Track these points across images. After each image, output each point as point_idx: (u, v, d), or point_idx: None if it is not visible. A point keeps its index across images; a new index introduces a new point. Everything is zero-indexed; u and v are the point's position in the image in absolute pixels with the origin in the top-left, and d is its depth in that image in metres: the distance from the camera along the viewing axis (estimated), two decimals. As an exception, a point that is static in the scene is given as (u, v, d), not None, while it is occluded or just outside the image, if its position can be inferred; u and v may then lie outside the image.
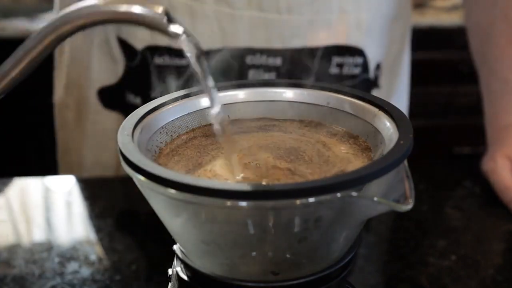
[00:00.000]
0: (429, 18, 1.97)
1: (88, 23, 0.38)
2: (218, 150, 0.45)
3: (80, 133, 0.95)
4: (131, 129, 0.42)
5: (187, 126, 0.48)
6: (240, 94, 0.51)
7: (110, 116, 0.90)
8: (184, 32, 0.37)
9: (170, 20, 0.37)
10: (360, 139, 0.46)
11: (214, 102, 0.40)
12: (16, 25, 1.89)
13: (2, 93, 0.40)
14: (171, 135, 0.47)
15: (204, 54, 0.38)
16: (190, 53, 0.38)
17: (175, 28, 0.37)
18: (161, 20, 0.37)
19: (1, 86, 0.39)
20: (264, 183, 0.40)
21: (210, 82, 0.39)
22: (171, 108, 0.47)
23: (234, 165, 0.41)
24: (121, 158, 0.39)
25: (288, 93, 0.50)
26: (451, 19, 1.95)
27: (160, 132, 0.46)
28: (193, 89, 0.49)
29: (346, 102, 0.48)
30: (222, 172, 0.41)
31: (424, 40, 1.84)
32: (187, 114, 0.48)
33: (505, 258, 0.70)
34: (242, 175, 0.41)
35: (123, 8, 0.37)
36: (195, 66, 0.38)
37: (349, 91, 0.48)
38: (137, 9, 0.37)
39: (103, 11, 0.38)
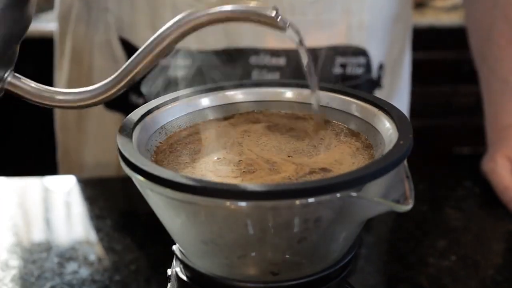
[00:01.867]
0: (429, 18, 1.97)
1: (208, 21, 0.43)
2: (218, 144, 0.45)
3: (80, 134, 0.95)
4: (131, 129, 0.42)
5: (186, 126, 0.48)
6: (240, 94, 0.50)
7: (111, 116, 0.90)
8: (289, 24, 0.44)
9: (278, 15, 0.43)
10: (361, 136, 0.46)
11: (313, 81, 0.46)
12: (16, 25, 1.89)
13: (120, 92, 0.44)
14: (167, 134, 0.47)
15: (303, 41, 0.45)
16: (296, 40, 0.45)
17: (282, 22, 0.43)
18: (271, 15, 0.43)
19: (131, 76, 0.44)
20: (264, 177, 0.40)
21: (311, 64, 0.46)
22: (171, 108, 0.47)
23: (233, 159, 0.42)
24: (120, 158, 0.39)
25: (289, 93, 0.50)
26: (451, 19, 1.95)
27: (160, 132, 0.46)
28: (193, 89, 0.49)
29: (346, 102, 0.48)
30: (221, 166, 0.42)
31: (424, 40, 1.84)
32: (187, 114, 0.48)
33: (505, 258, 0.70)
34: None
35: (239, 7, 0.43)
36: (300, 49, 0.46)
37: (349, 91, 0.48)
38: (250, 7, 0.43)
39: (222, 11, 0.43)
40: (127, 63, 0.44)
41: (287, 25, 0.44)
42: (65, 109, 0.96)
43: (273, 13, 0.42)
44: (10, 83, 0.45)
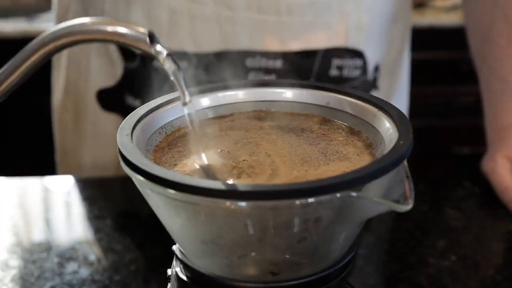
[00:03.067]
0: (429, 18, 1.97)
1: (77, 40, 0.41)
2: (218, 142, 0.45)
3: (78, 135, 0.95)
4: (130, 129, 0.42)
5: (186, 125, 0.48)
6: (240, 94, 0.50)
7: (109, 118, 0.90)
8: (167, 52, 0.41)
9: (153, 41, 0.41)
10: (362, 135, 0.46)
11: (191, 110, 0.44)
12: (15, 25, 1.89)
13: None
14: (167, 134, 0.47)
15: (180, 71, 0.42)
16: (170, 70, 0.41)
17: (158, 48, 0.41)
18: (145, 40, 0.40)
19: None
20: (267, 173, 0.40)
21: (187, 97, 0.43)
22: (170, 108, 0.47)
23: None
24: (120, 158, 0.39)
25: (288, 93, 0.50)
26: (451, 19, 1.95)
27: (160, 132, 0.46)
28: (192, 89, 0.49)
29: (346, 102, 0.48)
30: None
31: (424, 40, 1.84)
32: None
33: (505, 258, 0.70)
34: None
35: (110, 28, 0.40)
36: (175, 80, 0.42)
37: (349, 91, 0.48)
38: (123, 29, 0.40)
39: (93, 30, 0.41)
40: None
41: (164, 55, 0.41)
42: (61, 110, 0.97)
43: (147, 39, 0.40)
44: None
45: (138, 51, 0.41)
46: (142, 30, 0.41)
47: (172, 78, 0.42)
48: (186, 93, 0.42)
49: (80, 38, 0.41)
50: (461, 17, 1.81)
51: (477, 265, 0.67)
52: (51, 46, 0.41)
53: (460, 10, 1.83)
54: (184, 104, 0.43)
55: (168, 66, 0.41)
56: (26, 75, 0.42)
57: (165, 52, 0.41)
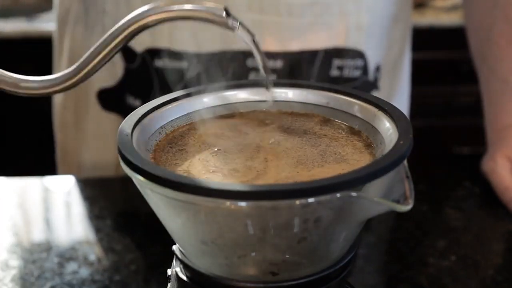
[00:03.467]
0: (429, 18, 1.97)
1: (159, 19, 0.44)
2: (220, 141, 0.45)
3: (79, 135, 0.95)
4: (130, 129, 0.42)
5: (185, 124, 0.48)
6: (240, 94, 0.50)
7: (109, 118, 0.90)
8: (240, 23, 0.45)
9: (228, 15, 0.44)
10: (363, 135, 0.46)
11: (268, 75, 0.48)
12: (15, 25, 1.89)
13: (81, 82, 0.47)
14: (166, 133, 0.47)
15: (255, 40, 0.46)
16: (247, 39, 0.46)
17: (233, 21, 0.45)
18: (221, 14, 0.44)
19: (85, 72, 0.47)
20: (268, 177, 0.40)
21: (265, 59, 0.47)
22: (170, 108, 0.47)
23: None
24: (120, 158, 0.39)
25: (288, 93, 0.50)
26: (451, 19, 1.95)
27: (160, 133, 0.46)
28: (192, 89, 0.49)
29: (346, 102, 0.48)
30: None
31: (424, 40, 1.84)
32: (186, 114, 0.48)
33: (505, 258, 0.70)
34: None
35: (189, 6, 0.44)
36: (252, 47, 0.47)
37: (349, 91, 0.48)
38: (201, 7, 0.44)
39: (173, 10, 0.44)
40: (87, 53, 0.46)
41: (238, 25, 0.45)
42: (62, 110, 0.97)
43: (223, 13, 0.44)
44: None
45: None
46: (217, 5, 0.44)
47: (250, 45, 0.46)
48: (265, 58, 0.47)
49: (163, 17, 0.44)
50: (461, 17, 1.81)
51: (477, 265, 0.67)
52: (136, 26, 0.45)
53: (460, 10, 1.84)
54: (265, 72, 0.47)
55: (245, 35, 0.46)
56: (110, 56, 0.46)
57: (238, 24, 0.45)
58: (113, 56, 0.46)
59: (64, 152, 0.98)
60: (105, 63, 0.46)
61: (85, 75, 0.47)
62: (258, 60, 0.46)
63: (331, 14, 0.83)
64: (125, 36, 0.45)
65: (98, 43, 0.46)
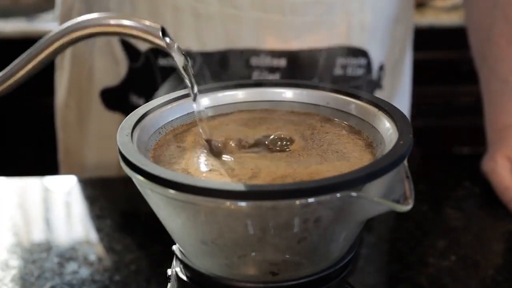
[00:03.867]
0: (429, 18, 1.97)
1: (91, 33, 0.42)
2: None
3: (82, 134, 0.95)
4: (130, 129, 0.42)
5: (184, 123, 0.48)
6: (240, 94, 0.50)
7: (112, 117, 0.90)
8: (177, 45, 0.43)
9: (164, 34, 0.42)
10: (363, 134, 0.46)
11: (198, 103, 0.46)
12: (15, 25, 1.89)
13: (4, 93, 0.44)
14: (166, 132, 0.47)
15: (189, 64, 0.44)
16: (179, 63, 0.43)
17: (169, 41, 0.43)
18: (157, 33, 0.42)
19: (4, 87, 0.43)
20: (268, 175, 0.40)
21: (195, 89, 0.45)
22: (171, 108, 0.47)
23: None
24: (120, 158, 0.39)
25: (288, 93, 0.50)
26: (451, 19, 1.95)
27: (160, 132, 0.46)
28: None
29: (346, 102, 0.48)
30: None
31: (424, 40, 1.83)
32: (187, 114, 0.48)
33: (505, 258, 0.70)
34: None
35: (124, 21, 0.42)
36: (184, 73, 0.44)
37: (349, 91, 0.48)
38: (136, 23, 0.42)
39: (107, 24, 0.42)
40: (8, 67, 0.43)
41: (175, 46, 0.43)
42: (65, 109, 0.97)
43: (159, 33, 0.42)
44: None
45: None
46: (154, 24, 0.42)
47: (181, 70, 0.43)
48: (195, 86, 0.44)
49: (94, 31, 0.42)
50: (461, 17, 1.81)
51: (477, 265, 0.67)
52: (65, 39, 0.42)
53: (460, 10, 1.83)
54: (194, 97, 0.45)
55: (178, 58, 0.43)
56: (37, 68, 0.43)
57: (175, 45, 0.43)
58: (42, 67, 0.43)
59: (67, 151, 0.98)
60: (32, 75, 0.44)
61: (6, 89, 0.44)
62: (188, 83, 0.44)
63: (335, 13, 0.83)
64: (56, 49, 0.43)
65: (24, 55, 0.43)
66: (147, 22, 0.42)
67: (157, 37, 0.42)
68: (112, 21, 0.42)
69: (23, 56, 0.43)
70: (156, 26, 0.42)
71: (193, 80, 0.44)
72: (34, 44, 0.43)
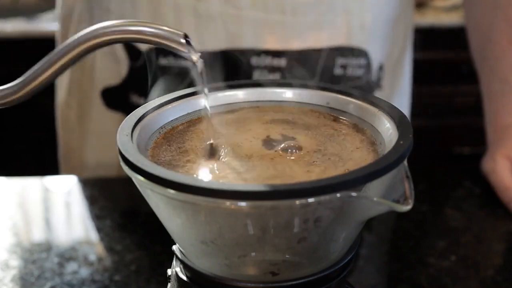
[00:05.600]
0: (429, 18, 1.97)
1: (113, 39, 0.42)
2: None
3: (82, 134, 0.95)
4: (130, 129, 0.42)
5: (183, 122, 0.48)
6: (240, 94, 0.50)
7: (113, 116, 0.90)
8: (200, 54, 0.44)
9: (188, 43, 0.43)
10: (367, 132, 0.46)
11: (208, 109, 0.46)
12: (15, 25, 1.89)
13: (23, 99, 0.44)
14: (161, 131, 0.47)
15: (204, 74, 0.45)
16: (200, 69, 0.45)
17: (192, 49, 0.43)
18: (180, 41, 0.43)
19: (25, 91, 0.43)
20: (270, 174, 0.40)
21: (206, 90, 0.46)
22: (171, 108, 0.47)
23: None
24: (120, 158, 0.39)
25: (288, 93, 0.50)
26: (451, 19, 1.95)
27: (159, 132, 0.46)
28: (193, 89, 0.49)
29: (346, 102, 0.48)
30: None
31: (424, 40, 1.84)
32: (187, 114, 0.48)
33: (505, 259, 0.70)
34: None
35: (149, 29, 0.42)
36: (200, 78, 0.45)
37: (349, 91, 0.48)
38: (160, 31, 0.42)
39: (130, 30, 0.42)
40: (30, 71, 0.43)
41: (198, 56, 0.44)
42: (66, 109, 0.97)
43: (183, 40, 0.42)
44: None
45: (173, 50, 0.43)
46: (177, 31, 0.43)
47: (199, 75, 0.45)
48: (207, 90, 0.46)
49: (116, 38, 0.42)
50: (461, 17, 1.81)
51: (477, 265, 0.67)
52: (86, 45, 0.42)
53: (460, 10, 1.83)
54: (205, 97, 0.46)
55: (200, 65, 0.44)
56: (58, 74, 0.43)
57: (198, 54, 0.44)
58: (61, 72, 0.43)
59: (67, 151, 0.98)
60: (52, 80, 0.43)
61: (28, 93, 0.43)
62: (201, 88, 0.45)
63: (335, 13, 0.83)
64: (77, 54, 0.42)
65: (42, 61, 0.43)
66: (170, 29, 0.42)
67: (181, 44, 0.42)
68: (134, 28, 0.42)
69: (42, 62, 0.43)
70: (179, 33, 0.42)
71: (206, 83, 0.45)
72: (52, 51, 0.43)
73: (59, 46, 0.43)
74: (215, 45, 0.82)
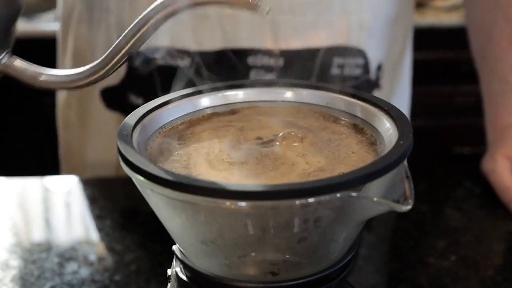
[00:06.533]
0: (429, 18, 1.97)
1: (192, 3, 0.43)
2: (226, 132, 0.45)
3: (83, 133, 0.95)
4: (130, 129, 0.42)
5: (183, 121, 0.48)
6: (240, 94, 0.50)
7: (113, 116, 0.91)
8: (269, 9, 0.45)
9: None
10: (367, 132, 0.46)
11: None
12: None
13: (112, 72, 0.45)
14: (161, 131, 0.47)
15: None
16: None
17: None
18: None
19: (117, 58, 0.45)
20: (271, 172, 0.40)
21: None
22: (170, 108, 0.47)
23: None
24: (120, 158, 0.39)
25: (288, 93, 0.50)
26: (451, 19, 1.95)
27: (159, 132, 0.46)
28: (192, 89, 0.49)
29: (346, 102, 0.48)
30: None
31: (424, 40, 1.83)
32: (187, 114, 0.48)
33: (505, 259, 0.70)
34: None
35: None
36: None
37: (349, 91, 0.48)
38: None
39: None
40: (114, 45, 0.45)
41: (267, 10, 0.45)
42: (66, 109, 0.97)
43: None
44: (6, 65, 0.45)
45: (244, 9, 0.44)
46: None
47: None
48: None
49: (195, 2, 0.43)
50: (461, 17, 1.81)
51: (477, 265, 0.67)
52: (165, 12, 0.44)
53: (460, 10, 1.84)
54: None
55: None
56: (137, 46, 0.45)
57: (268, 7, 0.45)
58: (140, 46, 0.45)
59: (68, 151, 0.99)
60: (131, 54, 0.45)
61: (111, 68, 0.45)
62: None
63: (333, 13, 0.83)
64: (153, 24, 0.44)
65: (125, 33, 0.44)
66: None
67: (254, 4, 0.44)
68: None
69: (126, 32, 0.44)
70: None
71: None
72: (137, 19, 0.44)
73: (140, 16, 0.44)
74: (212, 45, 0.82)
